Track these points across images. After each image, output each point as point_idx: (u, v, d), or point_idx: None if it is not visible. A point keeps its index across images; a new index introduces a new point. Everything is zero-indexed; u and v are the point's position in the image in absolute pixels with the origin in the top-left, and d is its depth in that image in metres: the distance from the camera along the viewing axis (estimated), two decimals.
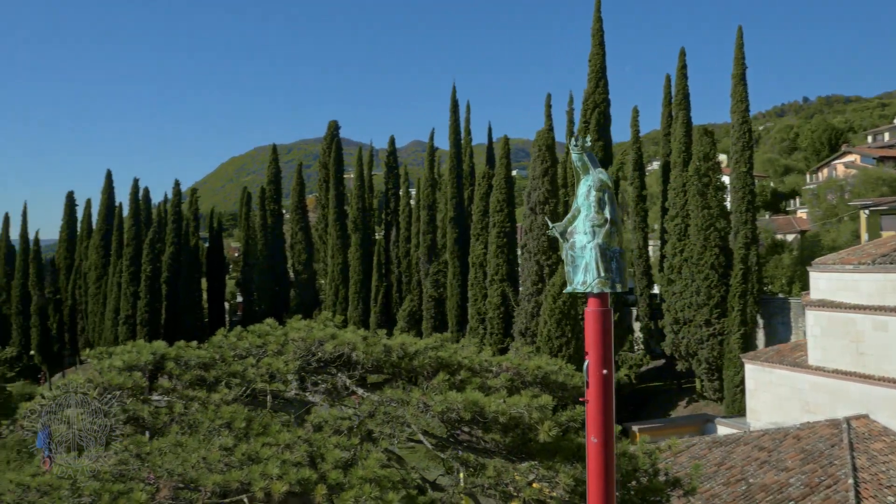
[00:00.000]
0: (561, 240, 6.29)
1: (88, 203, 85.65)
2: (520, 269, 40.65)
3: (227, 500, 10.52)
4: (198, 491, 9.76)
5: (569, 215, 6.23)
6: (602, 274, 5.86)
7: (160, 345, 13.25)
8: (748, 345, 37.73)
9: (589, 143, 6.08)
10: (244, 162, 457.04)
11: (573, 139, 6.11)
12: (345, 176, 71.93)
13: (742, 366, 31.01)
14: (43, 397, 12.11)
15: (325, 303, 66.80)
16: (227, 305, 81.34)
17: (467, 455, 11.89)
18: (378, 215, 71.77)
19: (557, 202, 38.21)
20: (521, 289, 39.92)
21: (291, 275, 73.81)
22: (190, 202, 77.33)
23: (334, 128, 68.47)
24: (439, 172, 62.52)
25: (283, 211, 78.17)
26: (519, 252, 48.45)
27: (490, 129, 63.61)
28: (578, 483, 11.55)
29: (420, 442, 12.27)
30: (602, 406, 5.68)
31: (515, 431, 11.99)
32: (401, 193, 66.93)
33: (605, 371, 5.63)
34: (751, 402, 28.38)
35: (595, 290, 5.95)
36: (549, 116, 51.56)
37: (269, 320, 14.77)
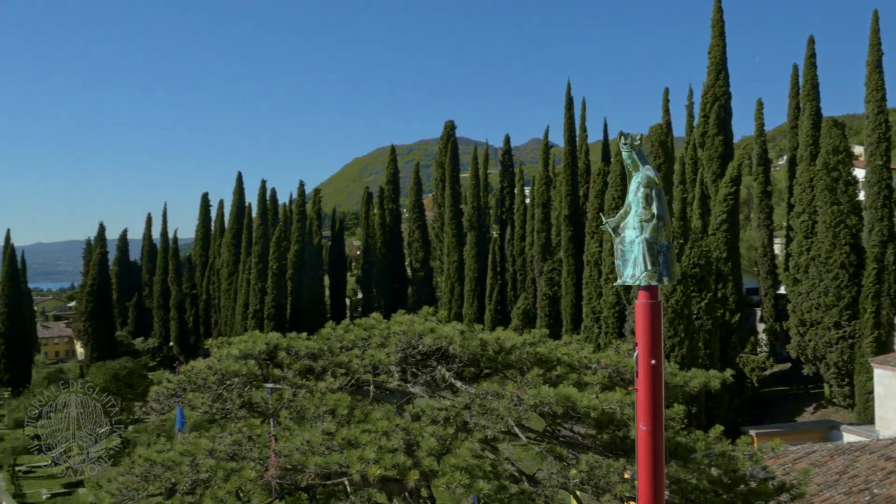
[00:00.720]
0: (613, 235, 6.46)
1: (221, 204, 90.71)
2: None
3: (329, 482, 11.19)
4: (302, 472, 10.42)
5: (621, 211, 6.41)
6: (649, 267, 6.13)
7: (274, 336, 14.12)
8: (882, 349, 35.55)
9: (638, 141, 6.28)
10: (367, 162, 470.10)
11: (622, 137, 6.27)
12: (462, 175, 72.91)
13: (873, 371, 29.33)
14: (168, 381, 13.24)
15: (441, 300, 67.92)
16: (348, 302, 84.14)
17: (561, 449, 12.03)
18: (495, 213, 72.23)
19: (671, 199, 37.28)
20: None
21: (409, 272, 75.49)
22: (313, 202, 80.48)
23: (450, 128, 69.45)
24: (554, 170, 62.26)
25: (402, 210, 79.97)
26: None
27: (606, 126, 62.80)
28: (672, 482, 11.49)
29: (517, 435, 12.51)
30: (650, 395, 5.83)
31: (610, 428, 12.03)
32: (516, 191, 67.09)
33: (653, 361, 5.79)
34: (880, 409, 26.83)
35: (642, 283, 6.16)
36: (666, 111, 50.33)
37: (375, 314, 15.40)
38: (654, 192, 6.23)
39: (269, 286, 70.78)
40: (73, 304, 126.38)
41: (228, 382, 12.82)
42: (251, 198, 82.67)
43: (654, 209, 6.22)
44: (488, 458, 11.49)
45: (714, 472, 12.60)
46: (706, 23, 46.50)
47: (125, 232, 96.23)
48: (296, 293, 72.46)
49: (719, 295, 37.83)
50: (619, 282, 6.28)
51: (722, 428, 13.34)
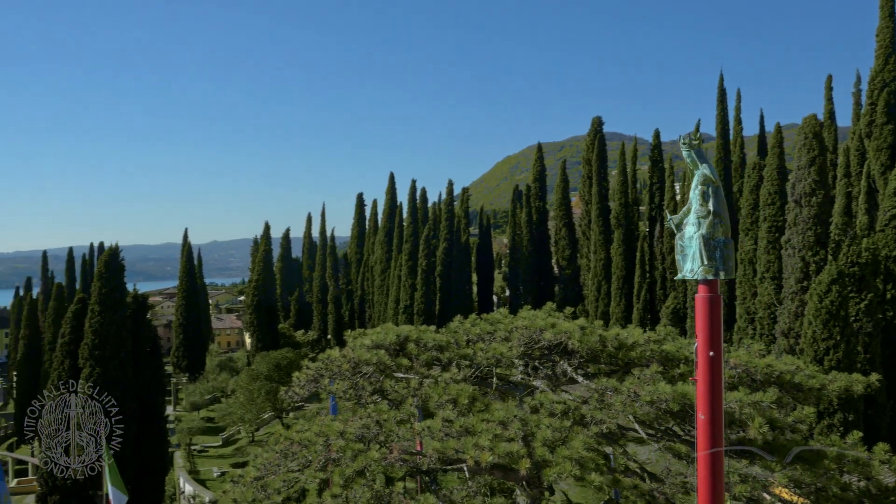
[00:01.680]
0: (675, 231, 6.60)
1: (375, 203, 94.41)
2: (783, 266, 37.94)
3: (450, 468, 11.80)
4: (423, 455, 11.08)
5: (684, 208, 6.52)
6: (706, 262, 6.30)
7: (405, 328, 14.95)
8: None
9: (696, 141, 6.38)
10: (518, 160, 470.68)
11: (681, 137, 6.39)
12: (612, 171, 71.77)
13: None
14: (308, 368, 14.36)
15: (587, 298, 67.26)
16: (495, 299, 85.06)
17: (679, 446, 11.99)
18: (646, 211, 70.56)
19: (826, 193, 35.07)
20: (784, 286, 37.27)
21: (556, 270, 75.26)
22: (461, 201, 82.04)
23: (598, 124, 68.57)
24: None
25: (548, 208, 79.86)
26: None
27: (762, 118, 59.80)
28: (797, 485, 11.17)
29: (636, 431, 12.58)
30: (709, 386, 5.95)
31: (733, 428, 11.84)
32: (665, 187, 65.25)
33: (711, 353, 5.89)
34: None
35: (699, 277, 6.33)
36: (829, 100, 47.32)
37: (502, 310, 15.89)
38: (710, 189, 6.41)
39: (418, 283, 72.95)
40: (242, 297, 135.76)
41: (361, 370, 13.75)
42: (402, 197, 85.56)
43: (711, 206, 6.39)
44: (602, 451, 11.63)
45: (847, 478, 12.10)
46: (873, 4, 43.31)
47: (288, 231, 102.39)
48: (444, 290, 74.20)
49: (888, 296, 35.17)
50: (679, 276, 6.46)
51: (860, 434, 12.75)
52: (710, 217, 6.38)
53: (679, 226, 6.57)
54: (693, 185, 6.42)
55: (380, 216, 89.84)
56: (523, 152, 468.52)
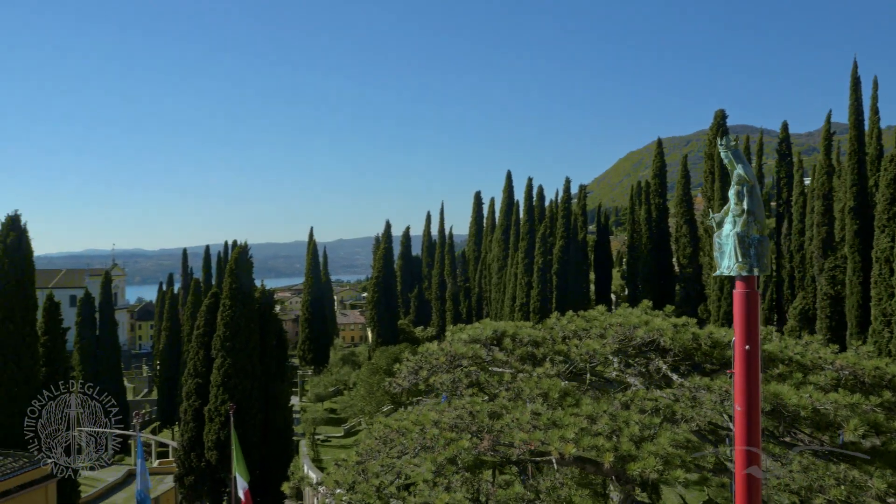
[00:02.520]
0: (716, 228, 6.70)
1: (492, 201, 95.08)
2: None
3: (539, 459, 12.10)
4: (512, 446, 11.45)
5: (725, 207, 6.61)
6: (740, 259, 6.50)
7: (502, 324, 15.37)
8: None
9: (734, 142, 6.48)
10: (641, 157, 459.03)
11: (720, 139, 6.48)
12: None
13: None
14: (408, 360, 15.01)
15: (709, 297, 65.15)
16: (613, 297, 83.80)
17: (775, 447, 11.77)
18: (768, 206, 67.61)
19: None
20: None
21: (676, 268, 73.34)
22: (579, 198, 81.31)
23: (721, 117, 66.24)
24: (838, 158, 56.83)
25: (669, 205, 77.91)
26: None
27: None
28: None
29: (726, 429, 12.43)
30: (746, 378, 6.04)
31: (831, 430, 11.54)
32: (794, 182, 62.26)
33: (747, 347, 5.96)
34: None
35: (734, 274, 6.52)
36: None
37: (600, 307, 16.01)
38: (745, 188, 6.57)
39: (534, 280, 72.96)
40: (365, 294, 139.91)
41: (458, 364, 14.27)
42: (519, 195, 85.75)
43: (745, 205, 6.59)
44: (690, 448, 11.59)
45: None
46: None
47: (408, 229, 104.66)
48: (560, 288, 73.85)
49: None
50: (717, 272, 6.62)
51: None
52: (745, 216, 6.58)
53: (720, 224, 6.74)
54: (731, 184, 6.58)
55: (497, 214, 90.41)
56: (647, 148, 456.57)
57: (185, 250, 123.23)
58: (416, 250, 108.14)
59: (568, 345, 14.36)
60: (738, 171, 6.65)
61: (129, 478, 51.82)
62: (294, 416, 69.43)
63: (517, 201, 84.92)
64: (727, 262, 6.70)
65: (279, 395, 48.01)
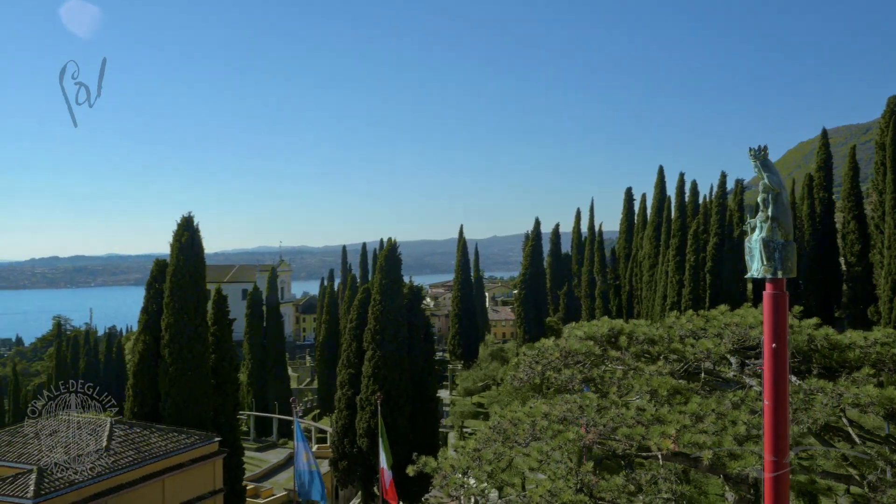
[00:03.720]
0: (749, 233, 6.84)
1: (643, 197, 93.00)
2: None
3: (645, 454, 12.39)
4: (617, 440, 11.82)
5: (759, 212, 6.76)
6: (765, 262, 6.82)
7: (619, 322, 15.64)
8: None
9: (762, 153, 6.65)
10: (813, 147, 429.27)
11: (750, 150, 6.61)
12: None
13: None
14: (525, 354, 15.62)
15: (881, 299, 60.58)
16: None
17: (893, 454, 11.39)
18: None
19: None
20: None
21: (843, 267, 68.74)
22: (735, 193, 77.92)
23: (893, 104, 61.35)
24: None
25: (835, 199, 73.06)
26: None
27: None
28: None
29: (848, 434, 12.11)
30: (773, 375, 6.16)
31: None
32: None
33: (774, 345, 6.09)
34: None
35: (758, 276, 6.83)
36: None
37: (722, 307, 15.86)
38: (770, 196, 6.83)
39: (685, 279, 70.83)
40: (515, 291, 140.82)
41: (572, 360, 14.74)
42: (672, 191, 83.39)
43: (770, 211, 6.78)
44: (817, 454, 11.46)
45: None
46: None
47: (557, 226, 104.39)
48: (714, 287, 71.19)
49: None
50: (747, 275, 6.77)
51: None
52: (769, 222, 6.91)
53: (753, 229, 6.98)
54: (759, 192, 6.82)
55: (648, 210, 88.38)
56: (818, 138, 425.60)
57: (344, 247, 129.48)
58: (566, 247, 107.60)
59: (684, 344, 14.44)
60: (765, 180, 6.94)
61: (290, 460, 55.55)
62: (444, 408, 71.44)
63: (669, 197, 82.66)
64: (756, 265, 7.00)
65: (427, 387, 49.79)
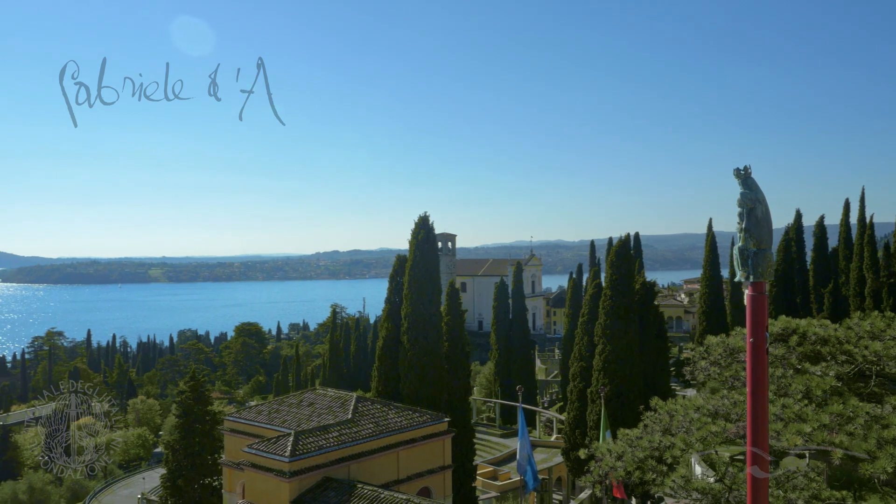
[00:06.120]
0: (734, 243, 7.27)
1: None
2: None
3: (793, 450, 12.52)
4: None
5: None
6: (740, 269, 7.53)
7: (795, 321, 15.53)
8: None
9: (743, 172, 7.04)
10: None
11: (734, 170, 7.00)
12: None
13: None
14: (691, 351, 16.05)
15: None
16: None
17: None
18: None
19: None
20: None
21: None
22: None
23: None
24: None
25: None
26: None
27: None
28: None
29: None
30: (752, 366, 6.57)
31: None
32: None
33: (751, 339, 6.53)
34: None
35: (741, 280, 7.51)
36: None
37: None
38: (745, 210, 7.22)
39: None
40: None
41: (737, 357, 15.01)
42: None
43: (744, 224, 7.14)
44: None
45: None
46: None
47: (822, 218, 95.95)
48: None
49: None
50: (736, 278, 7.23)
51: None
52: (744, 232, 7.59)
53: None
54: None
55: None
56: None
57: (592, 242, 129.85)
58: (835, 241, 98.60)
59: (859, 345, 14.11)
60: (739, 196, 7.46)
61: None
62: None
63: None
64: (738, 271, 7.75)
65: (659, 384, 49.45)
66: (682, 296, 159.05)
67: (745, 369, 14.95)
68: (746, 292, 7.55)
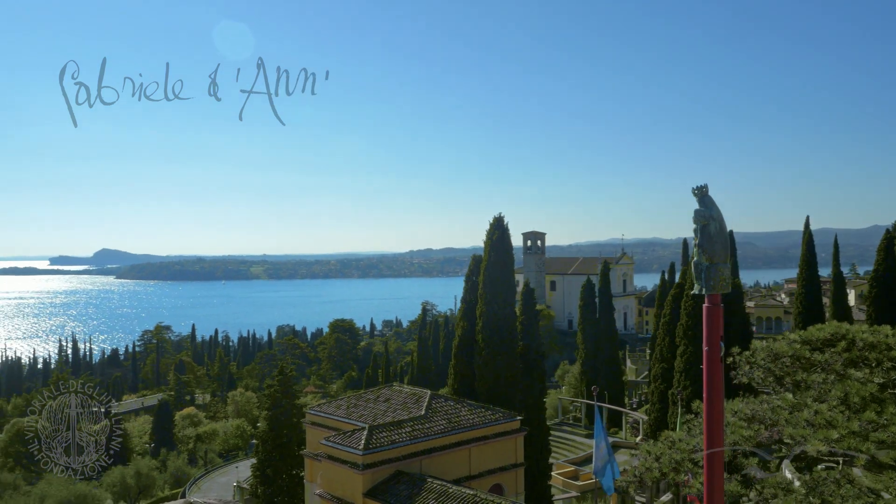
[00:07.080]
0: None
1: None
2: None
3: (827, 457, 12.52)
4: (783, 442, 12.22)
5: None
6: (695, 282, 7.92)
7: (846, 326, 15.36)
8: None
9: (699, 190, 7.30)
10: None
11: (693, 188, 7.21)
12: None
13: None
14: (738, 354, 16.07)
15: None
16: None
17: None
18: None
19: None
20: None
21: None
22: None
23: None
24: None
25: None
26: None
27: None
28: None
29: None
30: (708, 371, 6.86)
31: None
32: None
33: (706, 348, 6.83)
34: None
35: (697, 292, 7.91)
36: None
37: None
38: (699, 227, 7.60)
39: None
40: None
41: (779, 363, 15.01)
42: None
43: (698, 240, 7.40)
44: None
45: None
46: None
47: None
48: None
49: None
50: (693, 291, 7.56)
51: None
52: (697, 248, 7.94)
53: None
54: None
55: None
56: None
57: (685, 240, 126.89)
58: None
59: None
60: (694, 214, 7.78)
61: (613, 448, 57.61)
62: None
63: None
64: (696, 284, 8.17)
65: None
66: (782, 296, 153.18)
67: (787, 373, 14.97)
68: (704, 304, 7.94)
